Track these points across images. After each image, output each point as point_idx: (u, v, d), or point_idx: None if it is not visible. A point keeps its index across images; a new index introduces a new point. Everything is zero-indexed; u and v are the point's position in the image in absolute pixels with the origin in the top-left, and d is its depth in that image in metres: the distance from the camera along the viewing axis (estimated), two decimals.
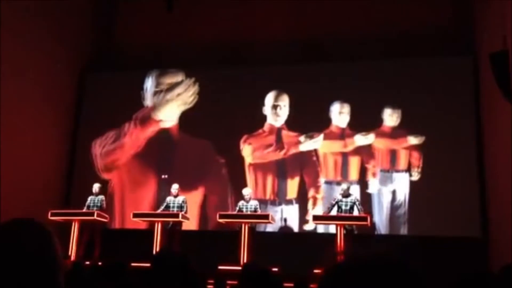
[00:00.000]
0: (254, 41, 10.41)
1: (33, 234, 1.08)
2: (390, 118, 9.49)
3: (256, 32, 10.48)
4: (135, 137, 10.36)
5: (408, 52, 9.71)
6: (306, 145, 9.66)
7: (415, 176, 9.10)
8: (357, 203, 8.12)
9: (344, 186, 8.33)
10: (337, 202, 8.14)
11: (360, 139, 9.47)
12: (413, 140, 9.19)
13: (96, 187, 8.93)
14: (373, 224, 8.79)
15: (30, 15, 9.44)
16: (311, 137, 9.64)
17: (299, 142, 9.67)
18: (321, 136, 9.61)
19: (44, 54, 9.84)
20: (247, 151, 9.91)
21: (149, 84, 10.75)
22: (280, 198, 9.59)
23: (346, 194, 8.16)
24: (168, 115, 10.42)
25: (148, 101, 10.67)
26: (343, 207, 8.05)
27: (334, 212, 8.14)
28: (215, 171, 9.93)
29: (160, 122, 10.39)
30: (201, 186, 9.91)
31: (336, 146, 9.64)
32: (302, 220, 9.36)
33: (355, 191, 8.95)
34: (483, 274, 1.97)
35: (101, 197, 8.87)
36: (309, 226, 9.19)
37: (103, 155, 10.44)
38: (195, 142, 10.13)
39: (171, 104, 10.41)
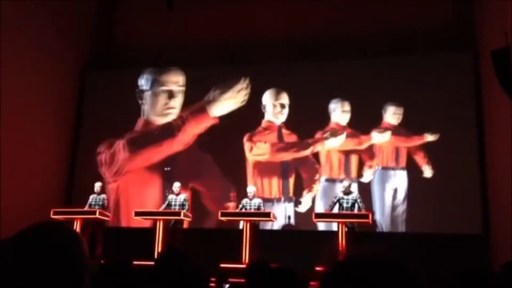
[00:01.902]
0: (253, 39, 10.41)
1: (62, 236, 1.13)
2: (393, 115, 9.50)
3: (255, 30, 10.48)
4: (186, 134, 10.26)
5: (409, 49, 9.71)
6: (331, 142, 9.60)
7: (428, 173, 9.08)
8: (358, 200, 8.10)
9: (345, 183, 8.32)
10: (338, 200, 8.14)
11: (377, 136, 9.42)
12: (429, 137, 9.13)
13: (97, 186, 8.94)
14: (374, 222, 8.80)
15: (31, 13, 9.44)
16: (335, 134, 9.61)
17: (325, 139, 9.63)
18: (345, 133, 9.57)
19: (45, 52, 9.84)
20: (263, 149, 9.83)
21: (147, 82, 10.75)
22: (284, 196, 9.60)
23: (348, 192, 8.16)
24: (221, 113, 10.27)
25: (146, 99, 10.68)
26: (344, 205, 8.04)
27: (335, 210, 8.13)
28: (211, 168, 9.94)
29: (213, 119, 10.27)
30: (199, 185, 9.93)
31: (337, 143, 9.64)
32: (300, 215, 9.41)
33: (355, 188, 8.95)
34: (484, 272, 1.97)
35: (103, 196, 8.88)
36: (301, 208, 9.35)
37: (134, 155, 10.36)
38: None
39: (228, 101, 10.24)
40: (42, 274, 1.05)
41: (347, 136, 9.63)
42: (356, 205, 8.00)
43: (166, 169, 9.93)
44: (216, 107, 10.27)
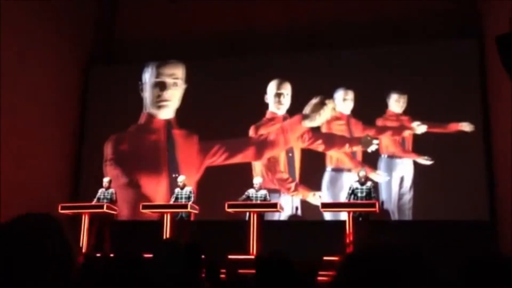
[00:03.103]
0: (256, 30, 10.38)
1: (47, 228, 1.11)
2: (397, 103, 9.46)
3: (257, 21, 10.44)
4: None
5: (412, 37, 9.64)
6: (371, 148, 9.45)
7: (427, 161, 9.04)
8: (372, 190, 8.06)
9: (361, 173, 8.25)
10: (353, 191, 8.09)
11: (417, 128, 9.25)
12: (466, 127, 8.91)
13: (106, 181, 8.99)
14: (385, 211, 8.83)
15: (31, 10, 9.42)
16: (369, 143, 9.42)
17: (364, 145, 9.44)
18: (376, 141, 9.43)
19: (46, 48, 9.83)
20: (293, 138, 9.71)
21: (148, 75, 10.75)
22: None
23: (363, 182, 8.10)
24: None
25: (147, 92, 10.70)
26: (359, 194, 7.99)
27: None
28: (215, 159, 9.96)
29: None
30: (204, 176, 9.95)
31: (342, 132, 9.63)
32: (305, 207, 9.41)
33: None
34: (494, 256, 1.97)
35: (112, 190, 8.92)
36: (313, 200, 9.33)
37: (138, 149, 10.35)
38: (191, 135, 10.18)
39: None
40: (25, 267, 1.04)
41: (338, 125, 9.56)
42: (371, 195, 7.97)
43: (174, 175, 9.81)
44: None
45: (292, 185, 9.55)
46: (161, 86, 10.66)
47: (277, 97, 10.04)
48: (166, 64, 10.72)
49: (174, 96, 10.56)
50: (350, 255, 0.80)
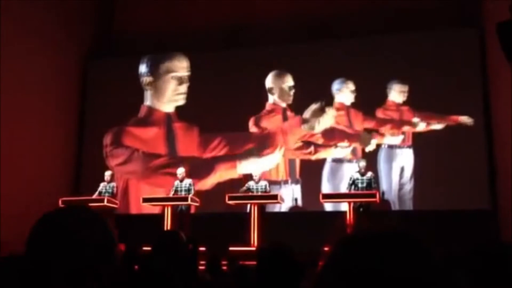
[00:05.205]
0: (255, 21, 10.32)
1: (91, 221, 1.16)
2: (397, 93, 9.43)
3: (256, 12, 10.38)
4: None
5: (412, 26, 9.59)
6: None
7: (438, 125, 8.99)
8: (373, 180, 8.06)
9: (361, 163, 8.25)
10: (353, 181, 8.08)
11: (417, 125, 9.25)
12: (466, 120, 8.91)
13: (107, 174, 8.98)
14: (386, 201, 8.83)
15: (31, 2, 9.37)
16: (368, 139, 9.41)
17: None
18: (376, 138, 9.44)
19: (46, 42, 9.81)
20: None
21: (151, 69, 10.70)
22: (291, 178, 9.59)
23: (363, 172, 8.09)
24: None
25: (152, 86, 10.65)
26: (360, 185, 7.99)
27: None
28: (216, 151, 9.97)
29: None
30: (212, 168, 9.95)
31: (341, 123, 9.61)
32: (306, 198, 9.40)
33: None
34: (496, 244, 1.95)
35: (113, 184, 8.93)
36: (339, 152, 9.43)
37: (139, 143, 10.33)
38: (191, 128, 10.17)
39: None
40: (69, 258, 1.08)
41: (338, 115, 9.54)
42: (372, 185, 7.96)
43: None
44: None
45: (311, 149, 9.52)
46: (179, 80, 10.57)
47: (277, 89, 10.00)
48: (174, 57, 10.66)
49: (186, 89, 10.53)
50: (341, 241, 0.71)
